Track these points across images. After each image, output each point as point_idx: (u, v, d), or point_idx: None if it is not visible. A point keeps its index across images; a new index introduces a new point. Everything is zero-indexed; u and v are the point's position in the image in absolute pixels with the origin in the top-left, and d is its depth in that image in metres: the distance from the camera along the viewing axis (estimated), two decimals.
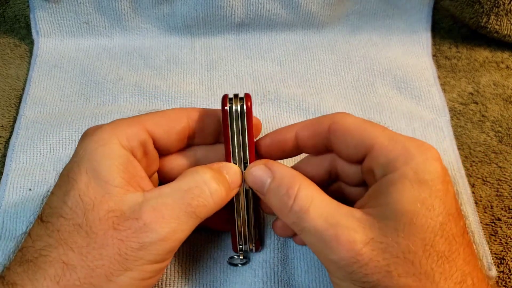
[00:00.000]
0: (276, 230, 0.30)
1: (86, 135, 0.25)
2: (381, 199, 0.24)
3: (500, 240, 0.35)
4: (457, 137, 0.41)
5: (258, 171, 0.27)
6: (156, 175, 0.30)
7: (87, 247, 0.22)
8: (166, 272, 0.31)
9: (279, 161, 0.28)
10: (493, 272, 0.33)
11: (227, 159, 0.28)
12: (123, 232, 0.22)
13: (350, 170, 0.28)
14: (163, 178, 0.30)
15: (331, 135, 0.27)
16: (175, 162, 0.29)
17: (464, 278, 0.22)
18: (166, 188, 0.24)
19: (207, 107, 0.30)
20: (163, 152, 0.28)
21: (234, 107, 0.27)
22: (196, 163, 0.30)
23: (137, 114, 0.28)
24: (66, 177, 0.24)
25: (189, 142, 0.29)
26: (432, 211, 0.23)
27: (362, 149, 0.26)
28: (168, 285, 0.31)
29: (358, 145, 0.26)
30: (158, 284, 0.31)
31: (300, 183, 0.25)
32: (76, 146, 0.26)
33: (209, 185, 0.25)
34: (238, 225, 0.29)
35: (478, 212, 0.36)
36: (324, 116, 0.28)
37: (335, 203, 0.25)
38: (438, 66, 0.47)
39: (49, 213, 0.23)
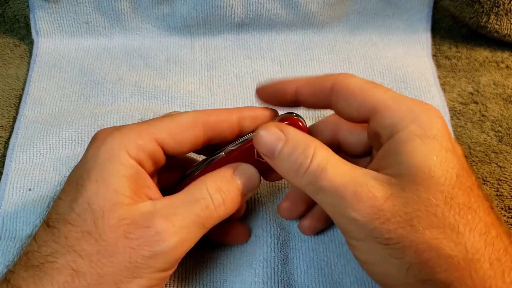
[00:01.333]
0: (283, 211, 0.30)
1: (96, 141, 0.25)
2: (394, 158, 0.23)
3: None
4: (457, 137, 0.41)
5: (269, 133, 0.25)
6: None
7: (97, 254, 0.22)
8: None
9: None
10: None
11: None
12: (135, 241, 0.22)
13: (352, 138, 0.28)
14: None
15: (333, 96, 0.26)
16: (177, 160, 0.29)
17: (488, 229, 0.22)
18: (176, 198, 0.25)
19: (207, 107, 0.30)
20: (172, 155, 0.28)
21: None
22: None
23: (151, 118, 0.27)
24: (75, 183, 0.24)
25: (204, 146, 0.28)
26: (447, 163, 0.23)
27: (365, 111, 0.25)
28: (168, 285, 0.31)
29: (361, 107, 0.25)
30: None
31: (316, 144, 0.24)
32: (76, 146, 0.26)
33: (214, 198, 0.25)
34: None
35: None
36: (326, 75, 0.27)
37: (351, 164, 0.24)
38: (438, 66, 0.47)
39: (56, 218, 0.23)
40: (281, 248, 0.32)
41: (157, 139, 0.26)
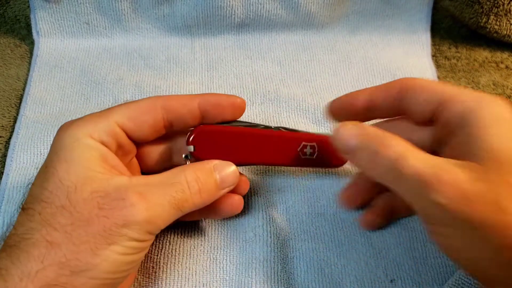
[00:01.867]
0: (343, 200, 0.31)
1: (60, 131, 0.26)
2: (473, 144, 0.23)
3: None
4: None
5: (348, 128, 0.26)
6: (135, 161, 0.30)
7: (71, 225, 0.23)
8: (166, 272, 0.31)
9: None
10: None
11: None
12: (109, 211, 0.23)
13: (414, 137, 0.28)
14: (142, 165, 0.31)
15: (404, 92, 0.28)
16: (152, 149, 0.30)
17: None
18: (152, 178, 0.25)
19: None
20: (139, 142, 0.29)
21: None
22: (174, 150, 0.31)
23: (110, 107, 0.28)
24: (45, 167, 0.25)
25: (167, 130, 0.29)
26: None
27: (434, 101, 0.26)
28: (168, 284, 0.31)
29: (430, 97, 0.26)
30: (158, 283, 0.31)
31: (393, 136, 0.25)
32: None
33: (191, 186, 0.26)
34: None
35: None
36: (393, 80, 0.29)
37: (430, 154, 0.24)
38: (438, 66, 0.47)
39: (29, 201, 0.24)
40: (281, 248, 0.32)
41: (117, 122, 0.27)
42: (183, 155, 0.29)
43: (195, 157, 0.29)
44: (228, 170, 0.28)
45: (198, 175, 0.26)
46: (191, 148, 0.29)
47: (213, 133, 0.29)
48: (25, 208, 0.24)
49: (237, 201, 0.31)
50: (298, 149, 0.30)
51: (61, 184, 0.23)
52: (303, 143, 0.30)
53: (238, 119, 0.31)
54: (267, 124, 0.40)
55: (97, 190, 0.23)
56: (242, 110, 0.30)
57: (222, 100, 0.29)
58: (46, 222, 0.23)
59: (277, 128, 0.31)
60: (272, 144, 0.30)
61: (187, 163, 0.29)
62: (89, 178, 0.24)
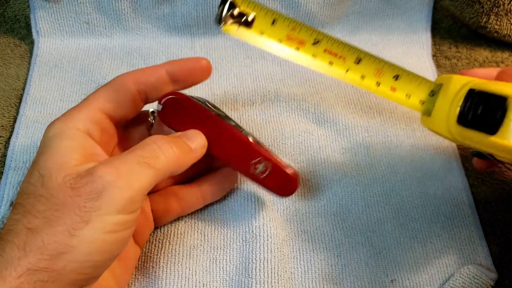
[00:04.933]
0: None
1: (47, 127, 0.27)
2: None
3: (500, 240, 0.35)
4: None
5: None
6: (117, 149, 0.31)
7: (49, 210, 0.23)
8: (166, 272, 0.31)
9: None
10: (493, 272, 0.33)
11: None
12: (80, 189, 0.23)
13: None
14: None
15: None
16: (134, 133, 0.31)
17: None
18: (121, 154, 0.26)
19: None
20: (121, 121, 0.30)
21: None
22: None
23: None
24: (32, 165, 0.26)
25: (145, 102, 0.30)
26: None
27: None
28: (168, 284, 0.31)
29: None
30: (158, 283, 0.31)
31: None
32: None
33: (159, 144, 0.26)
34: None
35: (477, 212, 0.36)
36: None
37: None
38: (438, 66, 0.47)
39: (17, 196, 0.25)
40: (281, 248, 0.32)
41: (99, 108, 0.28)
42: (150, 110, 0.30)
43: (160, 118, 0.30)
44: (193, 136, 0.29)
45: (168, 139, 0.27)
46: (160, 107, 0.30)
47: (181, 101, 0.30)
48: (13, 204, 0.25)
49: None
50: (252, 162, 0.30)
51: (39, 175, 0.24)
52: (259, 158, 0.30)
53: (217, 107, 0.32)
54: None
55: (70, 173, 0.24)
56: (208, 70, 0.31)
57: (188, 62, 0.30)
58: (27, 212, 0.23)
59: (247, 134, 0.30)
60: (231, 142, 0.30)
61: (151, 118, 0.31)
62: (64, 164, 0.24)
